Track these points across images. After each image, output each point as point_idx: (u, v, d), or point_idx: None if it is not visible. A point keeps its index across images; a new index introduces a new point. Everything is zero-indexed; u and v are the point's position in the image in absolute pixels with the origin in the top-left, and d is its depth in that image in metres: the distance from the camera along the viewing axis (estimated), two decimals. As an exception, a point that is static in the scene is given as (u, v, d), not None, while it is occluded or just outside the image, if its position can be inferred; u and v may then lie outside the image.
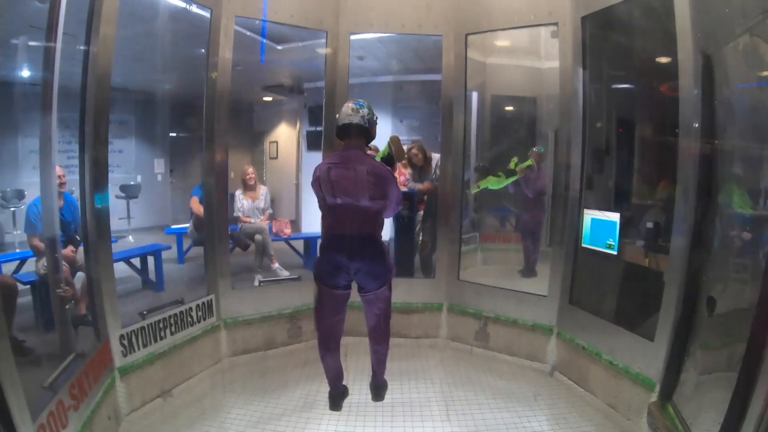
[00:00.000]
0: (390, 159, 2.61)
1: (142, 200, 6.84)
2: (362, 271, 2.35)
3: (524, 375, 3.41)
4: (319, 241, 2.63)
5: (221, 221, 3.50)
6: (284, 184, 8.37)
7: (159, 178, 7.26)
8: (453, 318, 3.93)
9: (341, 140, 2.42)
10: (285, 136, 8.50)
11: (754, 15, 1.96)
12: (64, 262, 2.93)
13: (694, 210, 2.43)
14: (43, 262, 3.17)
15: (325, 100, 3.84)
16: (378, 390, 2.74)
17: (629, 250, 2.98)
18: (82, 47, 2.57)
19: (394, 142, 2.60)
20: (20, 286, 3.28)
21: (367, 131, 2.33)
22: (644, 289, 2.83)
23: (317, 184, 2.36)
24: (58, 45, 2.29)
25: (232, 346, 3.56)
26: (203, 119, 3.40)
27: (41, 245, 3.03)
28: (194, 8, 3.26)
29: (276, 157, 8.55)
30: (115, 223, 6.49)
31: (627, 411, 2.76)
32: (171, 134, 7.20)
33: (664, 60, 2.89)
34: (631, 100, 3.44)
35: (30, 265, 3.61)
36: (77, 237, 3.36)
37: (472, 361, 3.63)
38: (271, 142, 8.63)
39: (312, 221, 5.83)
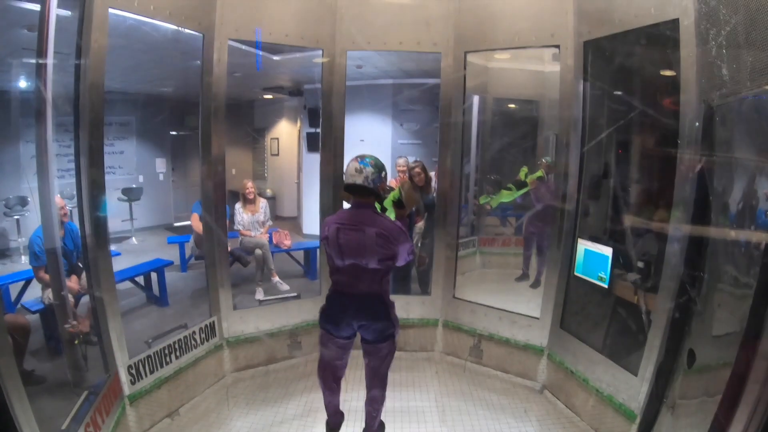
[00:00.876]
0: (400, 203, 2.58)
1: (144, 200, 6.92)
2: (366, 326, 2.41)
3: (515, 391, 3.56)
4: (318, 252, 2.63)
5: (221, 239, 3.56)
6: (285, 181, 8.39)
7: (161, 177, 7.30)
8: (448, 333, 4.05)
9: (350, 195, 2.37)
10: (286, 133, 8.45)
11: (763, 78, 1.93)
12: (69, 294, 3.04)
13: (685, 258, 2.46)
14: (48, 293, 3.27)
15: (322, 110, 3.84)
16: None
17: (620, 285, 3.04)
18: (74, 62, 2.62)
19: (405, 188, 2.58)
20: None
21: (372, 191, 2.27)
22: (632, 324, 2.91)
23: (326, 242, 2.37)
24: (50, 65, 2.37)
25: (235, 363, 3.70)
26: (199, 135, 3.42)
27: (47, 277, 3.13)
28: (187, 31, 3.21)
29: (277, 154, 8.52)
30: (118, 225, 6.64)
31: (610, 438, 2.90)
32: (171, 133, 7.18)
33: (667, 94, 2.85)
34: (632, 126, 3.40)
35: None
36: (80, 264, 3.45)
37: (466, 376, 3.78)
38: (272, 139, 8.59)
39: (313, 220, 5.86)
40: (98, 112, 2.66)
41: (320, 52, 3.75)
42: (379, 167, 2.26)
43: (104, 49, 2.64)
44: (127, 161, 7.01)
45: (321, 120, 3.83)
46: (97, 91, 2.64)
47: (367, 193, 2.26)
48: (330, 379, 2.60)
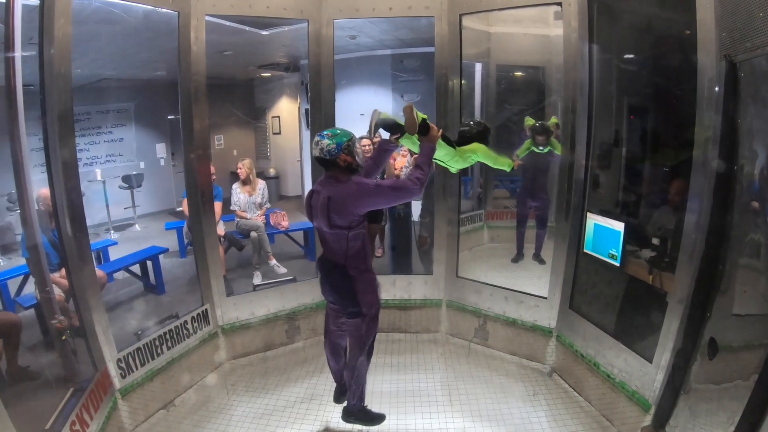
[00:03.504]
0: (425, 127, 2.46)
1: (146, 186, 6.88)
2: (332, 293, 2.49)
3: (523, 374, 3.40)
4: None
5: (209, 225, 3.43)
6: (288, 159, 8.27)
7: (162, 162, 7.24)
8: (452, 314, 3.89)
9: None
10: (287, 111, 8.23)
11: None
12: (58, 289, 2.98)
13: (706, 230, 2.19)
14: (40, 288, 3.21)
15: (311, 85, 3.65)
16: (347, 416, 2.73)
17: (633, 263, 2.78)
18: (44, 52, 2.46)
19: (405, 111, 2.44)
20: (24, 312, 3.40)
21: (329, 162, 2.31)
22: (646, 306, 2.68)
23: None
24: (18, 57, 2.27)
25: (231, 350, 3.63)
26: (180, 118, 3.27)
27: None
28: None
29: (279, 133, 8.36)
30: (121, 213, 6.62)
31: (621, 426, 2.72)
32: (169, 117, 7.02)
33: (681, 52, 2.52)
34: (645, 89, 3.07)
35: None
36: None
37: (472, 358, 3.63)
38: (273, 117, 8.40)
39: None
40: (66, 103, 2.52)
41: (306, 23, 3.50)
42: (336, 139, 2.29)
43: (69, 38, 2.48)
44: (127, 148, 6.96)
45: (309, 95, 3.62)
46: (64, 81, 2.49)
47: (327, 163, 2.34)
48: (329, 342, 2.71)
